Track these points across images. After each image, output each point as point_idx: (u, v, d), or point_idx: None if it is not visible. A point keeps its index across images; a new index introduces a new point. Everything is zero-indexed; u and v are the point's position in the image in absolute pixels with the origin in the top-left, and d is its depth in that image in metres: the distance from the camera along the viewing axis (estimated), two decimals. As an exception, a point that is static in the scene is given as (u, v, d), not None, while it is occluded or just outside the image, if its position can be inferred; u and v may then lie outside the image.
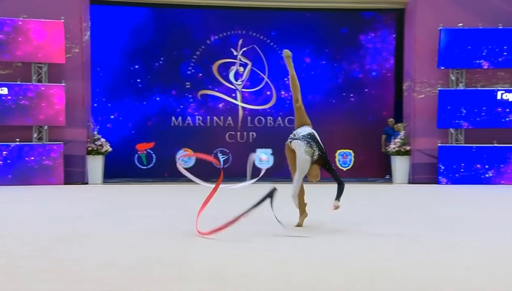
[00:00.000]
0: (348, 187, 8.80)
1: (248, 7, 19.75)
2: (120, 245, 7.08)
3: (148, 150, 20.17)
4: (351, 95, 20.40)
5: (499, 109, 18.17)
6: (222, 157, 20.12)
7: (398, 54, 20.04)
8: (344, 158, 20.10)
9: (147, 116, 20.09)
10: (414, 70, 18.65)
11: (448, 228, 8.71)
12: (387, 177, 19.81)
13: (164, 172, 19.89)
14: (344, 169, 19.99)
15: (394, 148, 18.66)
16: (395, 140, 18.74)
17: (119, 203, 13.13)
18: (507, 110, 18.25)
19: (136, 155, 20.11)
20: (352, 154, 20.13)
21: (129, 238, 7.63)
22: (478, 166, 18.29)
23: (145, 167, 20.07)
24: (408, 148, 18.53)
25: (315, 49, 20.07)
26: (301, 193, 8.16)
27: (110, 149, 18.65)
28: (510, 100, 18.24)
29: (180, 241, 7.38)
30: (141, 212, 11.00)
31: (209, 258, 6.29)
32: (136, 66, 19.92)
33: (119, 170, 19.74)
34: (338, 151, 20.13)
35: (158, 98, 20.02)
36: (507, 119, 18.05)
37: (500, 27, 17.95)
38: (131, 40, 19.81)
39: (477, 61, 18.31)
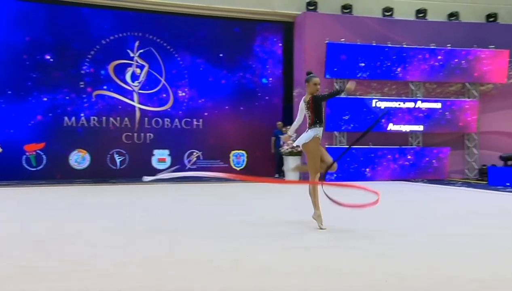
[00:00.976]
0: (246, 186, 8.65)
1: (145, 10, 15.27)
2: None
3: (38, 151, 14.78)
4: (244, 100, 17.64)
5: (375, 115, 16.49)
6: (119, 158, 15.35)
7: (285, 63, 17.45)
8: (237, 158, 16.97)
9: (37, 115, 15.70)
10: (304, 78, 15.41)
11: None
12: (276, 176, 16.92)
13: (56, 173, 14.76)
14: (238, 168, 16.53)
15: (287, 149, 15.44)
16: (289, 141, 15.50)
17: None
18: (388, 114, 16.64)
19: (24, 156, 14.57)
20: (245, 155, 16.97)
21: None
22: (357, 165, 16.57)
23: (34, 169, 14.63)
24: (299, 149, 15.30)
25: (211, 55, 17.20)
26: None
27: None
28: (382, 107, 15.88)
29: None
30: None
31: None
32: (27, 63, 15.54)
33: (6, 172, 15.02)
34: (232, 152, 16.78)
35: (48, 97, 15.92)
36: (380, 123, 16.59)
37: (374, 44, 15.51)
38: (21, 35, 14.85)
39: (357, 72, 16.62)
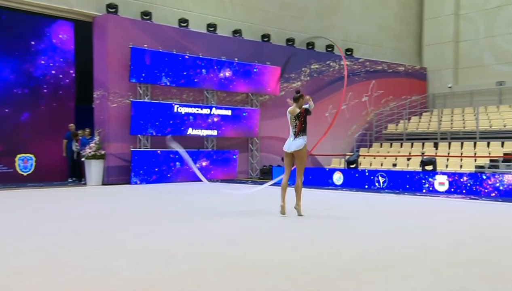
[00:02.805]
0: (39, 192, 8.49)
1: None
2: None
3: None
4: (31, 101, 15.92)
5: (177, 120, 16.96)
6: None
7: (79, 64, 16.60)
8: (24, 163, 15.29)
9: None
10: (108, 81, 15.39)
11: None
12: (69, 180, 16.16)
13: None
14: (25, 173, 15.11)
15: (90, 152, 15.05)
16: (91, 145, 15.10)
17: None
18: (188, 120, 17.24)
19: None
20: (34, 158, 15.43)
21: None
22: (163, 167, 16.69)
23: None
24: (103, 152, 15.12)
25: (4, 53, 15.09)
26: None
27: None
28: (182, 113, 16.58)
29: None
30: None
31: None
32: None
33: None
34: (18, 156, 15.13)
35: None
36: (182, 128, 17.07)
37: (174, 52, 16.31)
38: None
39: (161, 78, 16.68)
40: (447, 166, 15.72)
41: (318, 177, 15.81)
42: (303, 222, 7.49)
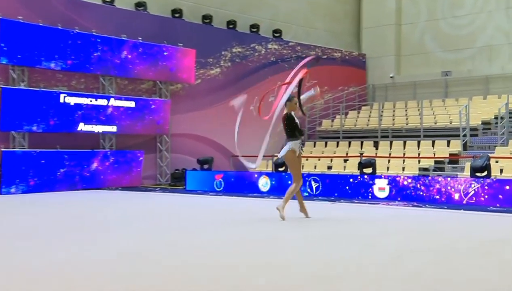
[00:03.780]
0: None
1: None
2: None
3: None
4: None
5: (64, 113, 14.25)
6: None
7: None
8: None
9: None
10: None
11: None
12: None
13: None
14: None
15: None
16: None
17: None
18: (78, 113, 14.54)
19: None
20: None
21: None
22: (47, 172, 13.93)
23: None
24: None
25: None
26: None
27: None
28: (71, 103, 14.14)
29: None
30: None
31: None
32: None
33: None
34: None
35: None
36: (71, 123, 14.42)
37: (60, 27, 13.73)
38: None
39: (41, 59, 13.90)
40: (388, 168, 14.74)
41: (241, 183, 14.22)
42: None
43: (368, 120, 19.02)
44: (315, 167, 15.98)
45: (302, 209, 8.43)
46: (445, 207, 10.46)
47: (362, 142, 17.26)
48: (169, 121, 16.28)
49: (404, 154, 15.60)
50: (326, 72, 20.38)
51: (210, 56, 17.65)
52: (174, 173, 16.31)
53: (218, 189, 14.39)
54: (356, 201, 11.56)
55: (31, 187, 13.59)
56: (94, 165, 14.79)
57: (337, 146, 17.86)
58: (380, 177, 12.22)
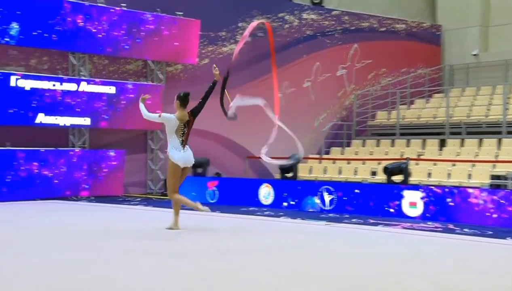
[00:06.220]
0: None
1: None
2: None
3: None
4: None
5: (18, 101, 12.18)
6: None
7: None
8: None
9: None
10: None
11: None
12: None
13: None
14: None
15: None
16: None
17: None
18: (37, 100, 12.40)
19: None
20: None
21: None
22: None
23: None
24: None
25: None
26: None
27: None
28: (27, 88, 12.16)
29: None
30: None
31: None
32: None
33: None
34: None
35: None
36: (28, 113, 12.32)
37: None
38: None
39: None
40: (449, 175, 12.26)
41: (239, 193, 12.04)
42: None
43: (437, 111, 15.77)
44: (339, 172, 13.74)
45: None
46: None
47: (424, 140, 14.78)
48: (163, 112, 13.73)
49: (476, 155, 13.08)
50: (385, 49, 17.74)
51: (222, 29, 15.25)
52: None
53: (212, 201, 11.94)
54: (372, 220, 9.51)
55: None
56: (59, 168, 12.52)
57: (392, 145, 15.06)
58: (414, 187, 10.13)
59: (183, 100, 8.04)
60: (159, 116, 8.06)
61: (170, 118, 7.92)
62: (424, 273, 5.40)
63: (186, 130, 7.99)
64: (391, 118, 16.31)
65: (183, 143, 7.94)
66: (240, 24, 15.33)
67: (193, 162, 8.10)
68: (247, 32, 9.29)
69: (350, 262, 5.98)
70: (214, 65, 8.65)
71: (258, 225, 9.09)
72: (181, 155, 7.87)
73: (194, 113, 8.11)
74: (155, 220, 9.11)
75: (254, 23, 9.26)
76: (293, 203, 11.02)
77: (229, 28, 15.23)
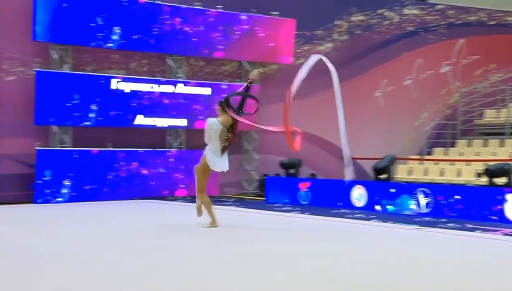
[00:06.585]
0: None
1: None
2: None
3: None
4: None
5: (118, 103, 12.68)
6: None
7: None
8: None
9: None
10: None
11: None
12: None
13: None
14: None
15: None
16: None
17: None
18: (136, 102, 12.87)
19: None
20: None
21: None
22: (94, 177, 12.45)
23: None
24: None
25: None
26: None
27: None
28: (126, 91, 12.70)
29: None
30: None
31: None
32: None
33: None
34: None
35: None
36: (127, 115, 12.81)
37: None
38: None
39: (89, 36, 12.42)
40: None
41: (330, 194, 11.75)
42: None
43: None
44: (441, 174, 12.95)
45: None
46: None
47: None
48: (257, 113, 13.81)
49: None
50: (494, 44, 16.82)
51: (318, 28, 15.07)
52: (262, 179, 13.74)
53: (304, 202, 11.77)
54: (470, 225, 9.01)
55: (73, 195, 12.18)
56: (153, 168, 12.92)
57: (502, 145, 14.34)
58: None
59: (226, 105, 8.11)
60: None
61: (214, 123, 8.07)
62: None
63: (230, 135, 8.11)
64: (501, 116, 15.37)
65: (224, 149, 8.09)
66: (337, 22, 15.15)
67: (227, 169, 8.28)
68: (303, 72, 8.66)
69: (418, 267, 5.66)
70: (260, 70, 8.98)
71: (343, 228, 8.86)
72: (216, 160, 8.08)
73: (237, 110, 8.17)
74: (244, 220, 9.19)
75: (310, 60, 8.67)
76: (389, 206, 10.67)
77: (325, 27, 15.08)
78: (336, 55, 15.00)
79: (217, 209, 11.38)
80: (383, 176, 11.72)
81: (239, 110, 8.22)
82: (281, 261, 5.89)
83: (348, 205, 11.21)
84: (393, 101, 15.29)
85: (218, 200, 12.82)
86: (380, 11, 15.65)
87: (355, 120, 13.69)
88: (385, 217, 9.85)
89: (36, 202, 11.81)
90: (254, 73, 8.56)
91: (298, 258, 6.10)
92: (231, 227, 8.54)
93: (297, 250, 6.59)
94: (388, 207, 10.58)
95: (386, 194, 10.76)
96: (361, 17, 15.45)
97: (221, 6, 13.59)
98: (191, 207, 11.59)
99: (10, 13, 11.97)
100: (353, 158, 14.46)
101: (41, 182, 11.88)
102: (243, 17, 13.76)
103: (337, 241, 7.46)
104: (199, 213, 8.43)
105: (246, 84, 8.63)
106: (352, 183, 11.30)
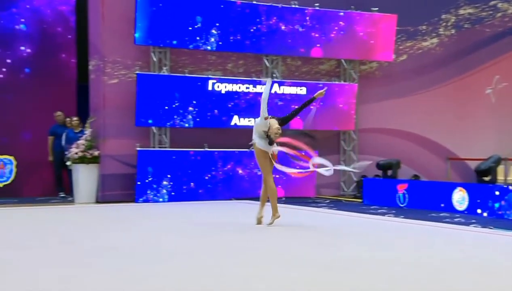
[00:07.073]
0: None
1: None
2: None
3: None
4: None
5: (214, 105, 12.92)
6: None
7: (80, 21, 13.18)
8: (0, 168, 12.38)
9: None
10: (103, 43, 11.82)
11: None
12: (62, 194, 13.16)
13: None
14: (1, 184, 12.74)
15: (76, 153, 11.64)
16: (79, 142, 11.57)
17: None
18: (232, 103, 13.08)
19: None
20: (14, 163, 13.12)
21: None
22: (191, 177, 12.75)
23: None
24: (96, 153, 11.50)
25: None
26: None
27: None
28: (223, 92, 12.84)
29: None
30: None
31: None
32: None
33: None
34: None
35: None
36: (223, 117, 13.04)
37: None
38: None
39: (186, 38, 12.73)
40: None
41: (430, 197, 11.25)
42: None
43: None
44: None
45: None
46: None
47: None
48: (356, 113, 13.60)
49: None
50: None
51: (422, 23, 14.46)
52: (359, 180, 13.50)
53: (401, 205, 11.43)
54: None
55: (172, 195, 12.58)
56: (253, 169, 13.07)
57: None
58: None
59: (280, 121, 8.67)
60: (265, 118, 8.42)
61: (267, 124, 8.48)
62: None
63: (266, 132, 8.58)
64: None
65: (269, 140, 8.61)
66: (443, 16, 14.51)
67: (275, 153, 8.74)
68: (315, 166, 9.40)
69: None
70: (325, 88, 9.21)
71: (436, 233, 8.45)
72: (264, 143, 8.56)
73: (283, 121, 8.67)
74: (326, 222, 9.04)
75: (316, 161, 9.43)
76: (496, 209, 10.04)
77: (430, 22, 14.48)
78: (441, 51, 14.41)
79: (309, 211, 11.36)
80: (486, 178, 11.08)
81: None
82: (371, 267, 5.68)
83: (449, 208, 10.68)
84: (506, 98, 14.42)
85: (313, 202, 12.76)
86: (492, 2, 14.78)
87: (465, 120, 13.13)
88: (487, 221, 9.29)
89: (137, 201, 12.35)
90: (322, 93, 8.81)
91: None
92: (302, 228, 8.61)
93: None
94: (493, 209, 9.99)
95: (488, 197, 10.15)
96: (470, 10, 14.68)
97: (318, 4, 13.47)
98: (286, 208, 11.68)
99: (115, 21, 12.45)
100: (460, 159, 13.91)
101: (142, 182, 12.41)
102: (341, 14, 13.56)
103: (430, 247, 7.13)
104: (259, 222, 8.84)
105: (309, 99, 8.88)
106: (453, 185, 10.79)
